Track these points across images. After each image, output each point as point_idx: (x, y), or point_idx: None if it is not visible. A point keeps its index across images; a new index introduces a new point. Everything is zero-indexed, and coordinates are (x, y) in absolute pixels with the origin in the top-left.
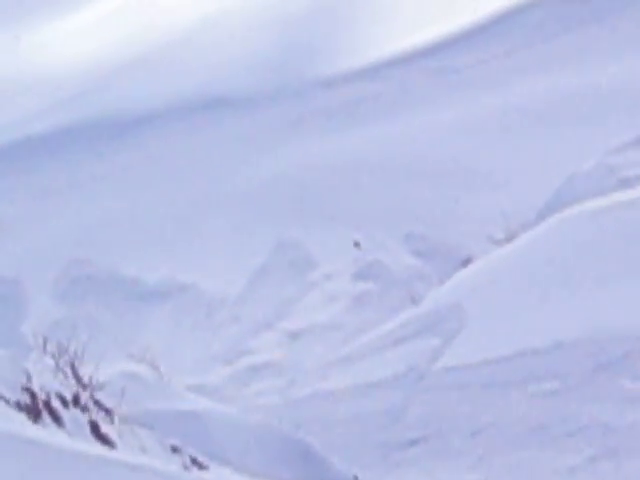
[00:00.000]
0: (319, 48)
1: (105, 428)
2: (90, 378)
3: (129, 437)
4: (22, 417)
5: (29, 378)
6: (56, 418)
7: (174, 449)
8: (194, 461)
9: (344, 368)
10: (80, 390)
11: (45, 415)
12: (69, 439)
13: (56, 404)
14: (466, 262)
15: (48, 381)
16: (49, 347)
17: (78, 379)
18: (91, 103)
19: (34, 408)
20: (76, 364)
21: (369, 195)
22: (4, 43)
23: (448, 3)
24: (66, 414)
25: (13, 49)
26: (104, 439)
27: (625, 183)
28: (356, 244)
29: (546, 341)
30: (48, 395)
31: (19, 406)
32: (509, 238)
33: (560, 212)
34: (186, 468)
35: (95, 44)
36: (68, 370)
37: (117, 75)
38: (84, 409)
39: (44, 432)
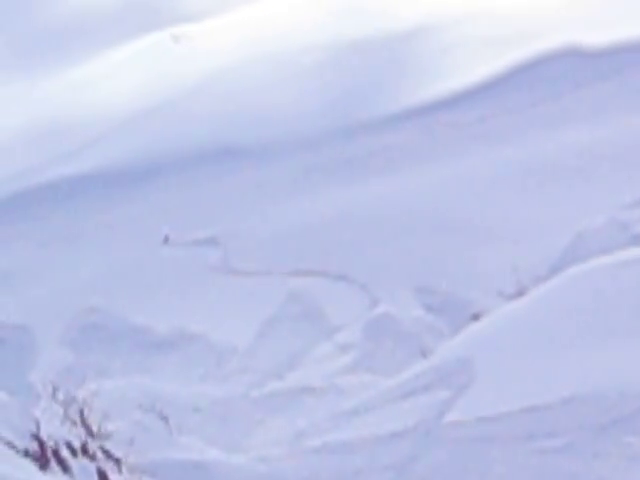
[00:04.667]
0: (335, 100)
1: (113, 477)
2: (99, 427)
3: None
4: (30, 465)
5: (38, 426)
6: (64, 467)
7: None
8: None
9: (353, 420)
10: (89, 439)
11: (53, 463)
12: None
13: (64, 453)
14: (476, 316)
15: (57, 429)
16: (58, 395)
17: (87, 428)
18: (102, 152)
19: (42, 456)
20: (85, 413)
21: (380, 248)
22: (18, 92)
23: (462, 58)
24: (74, 463)
25: (26, 98)
26: None
27: (638, 239)
28: (165, 238)
29: (555, 397)
30: (57, 443)
31: (27, 454)
32: (520, 293)
33: (571, 267)
34: None
35: (108, 93)
36: (77, 419)
37: (129, 124)
38: (92, 458)
39: None
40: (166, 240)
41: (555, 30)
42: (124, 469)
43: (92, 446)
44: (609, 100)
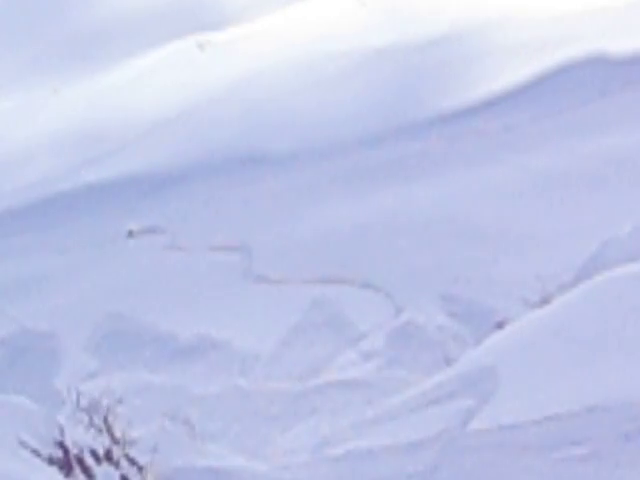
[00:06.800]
0: (360, 107)
1: None
2: (123, 434)
3: None
4: (54, 471)
5: (62, 433)
6: (88, 474)
7: None
8: None
9: (376, 428)
10: (113, 446)
11: (77, 471)
12: None
13: (88, 459)
14: (501, 324)
15: (81, 436)
16: (82, 402)
17: (111, 434)
18: (126, 159)
19: (66, 463)
20: (109, 419)
21: (405, 255)
22: (42, 96)
23: (487, 66)
24: (98, 469)
25: (50, 102)
26: None
27: None
28: (130, 233)
29: (580, 405)
30: (81, 450)
31: (51, 460)
32: (544, 301)
33: (597, 275)
34: None
35: (132, 100)
36: (101, 425)
37: (153, 132)
38: (116, 465)
39: None
40: (130, 234)
41: (581, 38)
42: (148, 476)
43: (116, 453)
44: (635, 108)
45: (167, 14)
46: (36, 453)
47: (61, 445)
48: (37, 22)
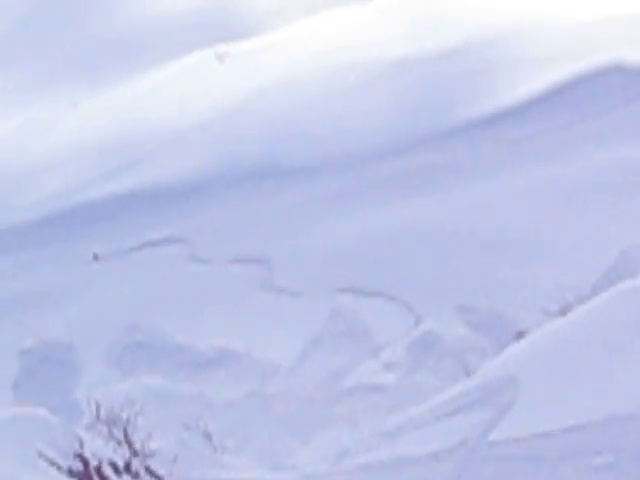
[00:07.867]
0: (379, 117)
1: None
2: (142, 445)
3: None
4: None
5: (81, 444)
6: None
7: None
8: None
9: (396, 439)
10: (132, 457)
11: None
12: None
13: (108, 471)
14: (520, 334)
15: (100, 448)
16: (102, 413)
17: (130, 446)
18: (146, 170)
19: (86, 475)
20: (129, 431)
21: (424, 265)
22: (62, 110)
23: (507, 75)
24: None
25: (71, 115)
26: None
27: None
28: (95, 257)
29: (600, 415)
30: (100, 462)
31: (71, 472)
32: (563, 311)
33: (615, 286)
34: None
35: (151, 112)
36: (121, 437)
37: (173, 143)
38: (136, 476)
39: None
40: (95, 258)
41: (600, 47)
42: None
43: (136, 465)
44: None
45: (185, 26)
46: (55, 465)
47: (81, 457)
48: (56, 35)
